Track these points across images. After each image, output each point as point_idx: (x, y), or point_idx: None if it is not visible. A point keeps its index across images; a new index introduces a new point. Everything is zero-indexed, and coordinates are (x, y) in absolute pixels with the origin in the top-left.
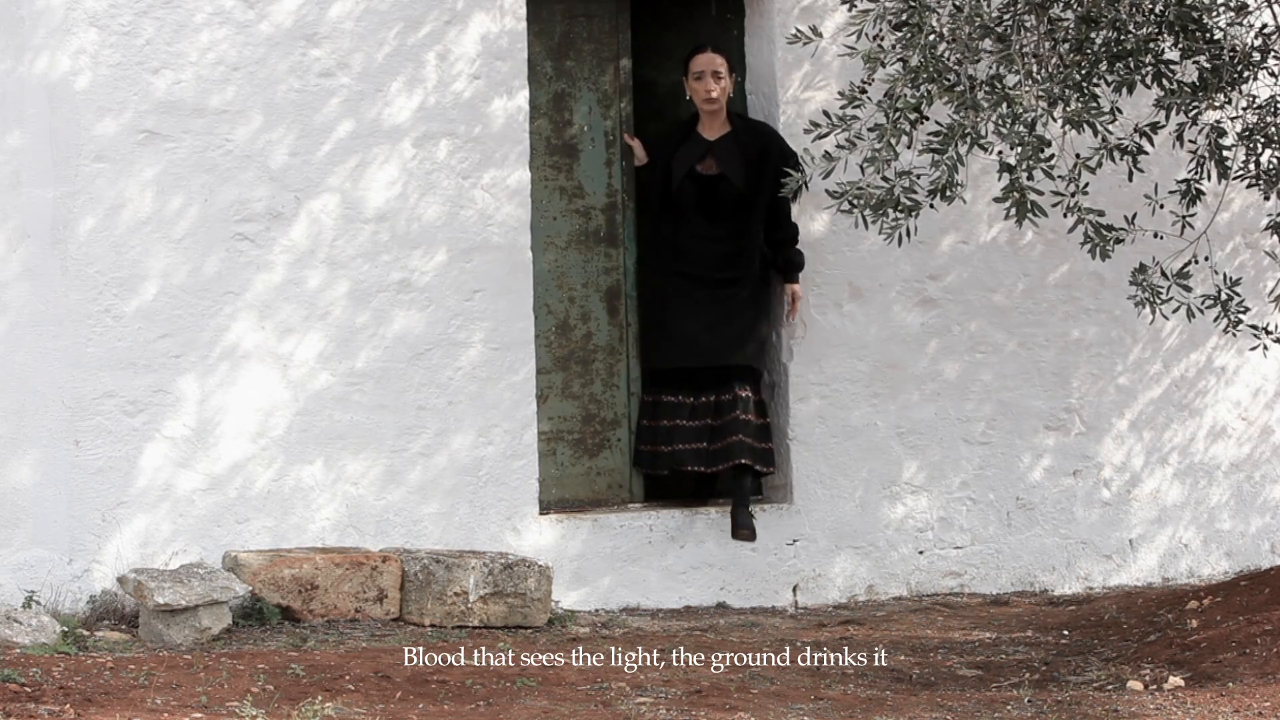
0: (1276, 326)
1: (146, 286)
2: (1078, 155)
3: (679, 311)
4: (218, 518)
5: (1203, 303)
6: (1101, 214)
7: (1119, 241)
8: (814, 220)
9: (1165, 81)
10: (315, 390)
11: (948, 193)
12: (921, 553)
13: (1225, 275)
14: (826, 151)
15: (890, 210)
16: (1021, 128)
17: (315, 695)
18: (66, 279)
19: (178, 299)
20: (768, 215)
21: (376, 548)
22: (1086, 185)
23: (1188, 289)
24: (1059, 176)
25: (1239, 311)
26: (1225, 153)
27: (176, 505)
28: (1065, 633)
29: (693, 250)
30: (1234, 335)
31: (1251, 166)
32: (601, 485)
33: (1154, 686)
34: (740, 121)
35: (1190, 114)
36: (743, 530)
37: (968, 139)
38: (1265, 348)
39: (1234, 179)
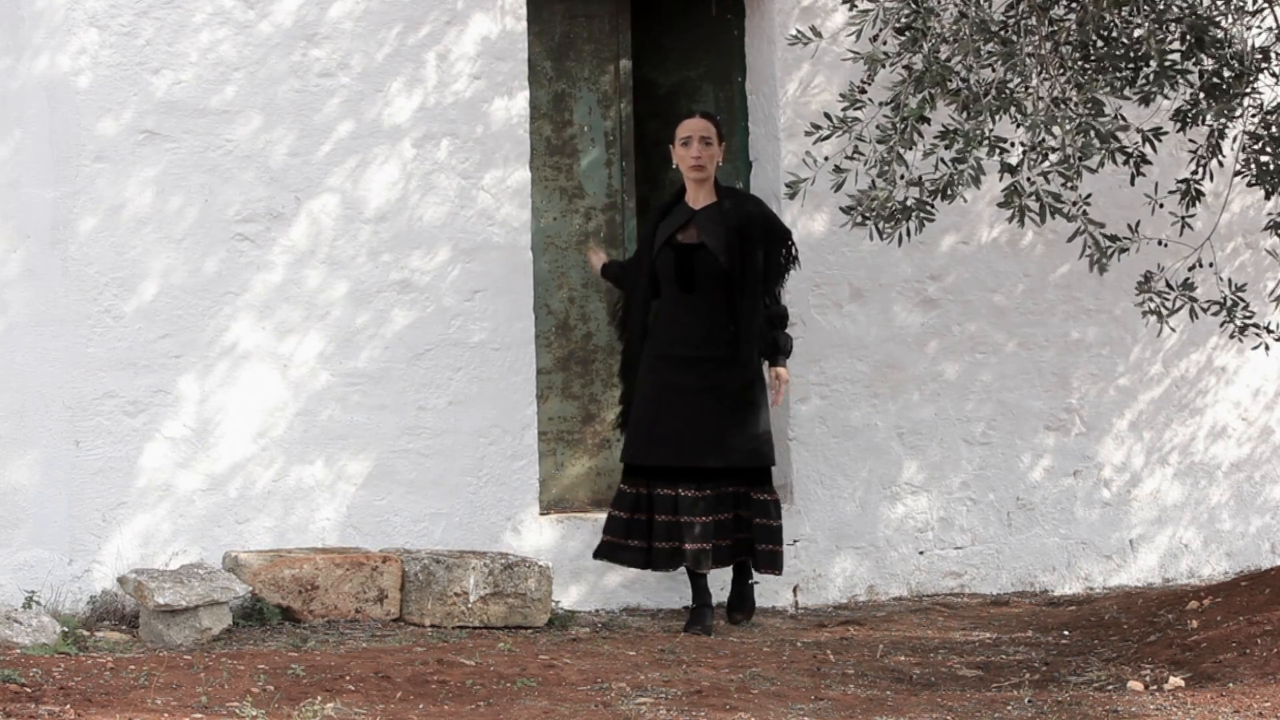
0: (1276, 325)
1: (146, 286)
2: (1078, 156)
3: (656, 402)
4: (218, 518)
5: (1208, 308)
6: (1102, 225)
7: (1123, 251)
8: (814, 220)
9: (1177, 87)
10: (315, 390)
11: (950, 190)
12: (922, 553)
13: (1230, 281)
14: (837, 166)
15: (904, 222)
16: (1044, 119)
17: (315, 695)
18: (66, 279)
19: (178, 299)
20: (749, 293)
21: (376, 548)
22: (1089, 196)
23: (1193, 299)
24: (1066, 186)
25: (1245, 316)
26: (1222, 155)
27: (176, 505)
28: (1065, 633)
29: (671, 327)
30: (1240, 340)
31: (1252, 166)
32: (601, 485)
33: (1154, 687)
34: (728, 192)
35: (1217, 121)
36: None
37: (985, 143)
38: (1267, 346)
39: (1236, 176)
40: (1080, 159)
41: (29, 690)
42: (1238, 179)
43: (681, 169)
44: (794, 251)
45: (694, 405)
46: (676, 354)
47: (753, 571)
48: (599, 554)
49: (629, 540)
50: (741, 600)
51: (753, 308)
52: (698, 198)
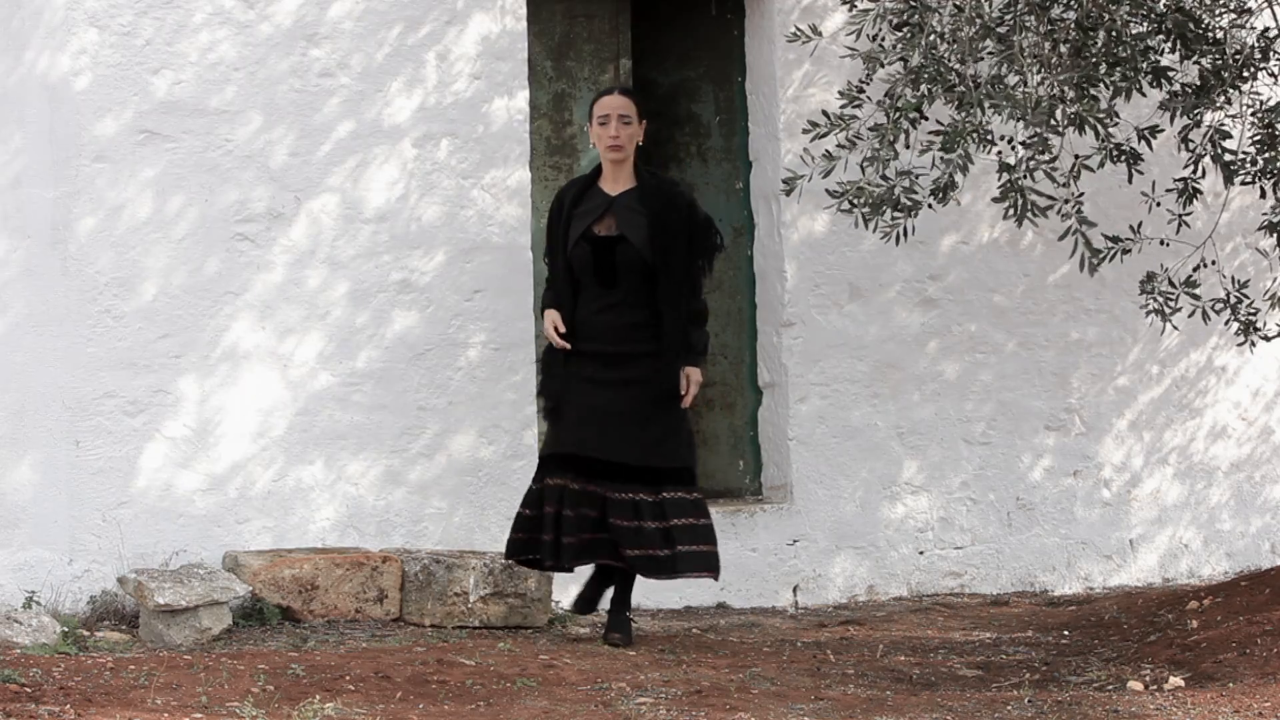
0: (1269, 325)
1: (146, 286)
2: (1076, 156)
3: (575, 396)
4: (218, 518)
5: (1213, 306)
6: (1094, 225)
7: (1125, 252)
8: (814, 220)
9: (1165, 83)
10: (315, 390)
11: (948, 193)
12: (921, 553)
13: (1233, 279)
14: (827, 151)
15: (889, 210)
16: (1042, 114)
17: (315, 695)
18: (66, 279)
19: (178, 299)
20: (672, 288)
21: (376, 548)
22: (1081, 195)
23: (1196, 297)
24: (1060, 183)
25: (1249, 314)
26: (1229, 155)
27: (176, 505)
28: (1065, 633)
29: (589, 323)
30: (1250, 343)
31: (1249, 165)
32: None
33: (1154, 686)
34: (649, 178)
35: (1193, 117)
36: (615, 635)
37: (975, 136)
38: (1253, 344)
39: (1237, 181)
40: (1080, 159)
41: (29, 690)
42: (1237, 179)
43: (598, 149)
44: (719, 241)
45: (609, 400)
46: (594, 350)
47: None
48: (507, 554)
49: (541, 536)
50: (622, 623)
51: (678, 303)
52: (615, 182)
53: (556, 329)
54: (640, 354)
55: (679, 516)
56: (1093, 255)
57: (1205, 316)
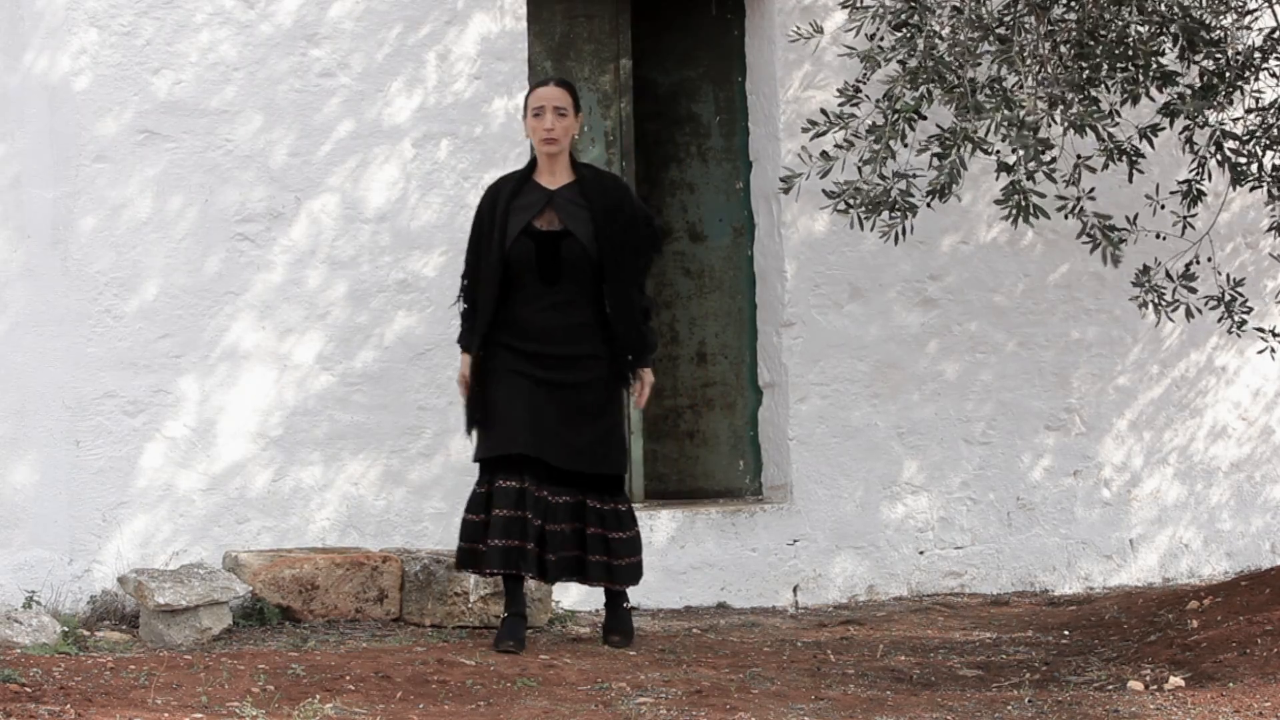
0: (1278, 327)
1: (146, 286)
2: (1078, 156)
3: (510, 395)
4: (218, 518)
5: (1206, 303)
6: (1109, 217)
7: (1122, 242)
8: (814, 220)
9: (1168, 86)
10: (315, 390)
11: (945, 194)
12: (922, 553)
13: (1228, 276)
14: (824, 151)
15: (887, 211)
16: (1026, 132)
17: (315, 695)
18: (66, 279)
19: (178, 299)
20: (622, 285)
21: (377, 548)
22: (1092, 190)
23: (1192, 290)
24: (1062, 180)
25: (1243, 311)
26: (1235, 156)
27: (176, 505)
28: (1065, 633)
29: (526, 323)
30: (1238, 335)
31: (1255, 169)
32: None
33: (1154, 686)
34: (587, 171)
35: (1195, 119)
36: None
37: (970, 144)
38: (1274, 350)
39: (1243, 183)
40: (1081, 158)
41: (29, 690)
42: (1242, 183)
43: (533, 142)
44: (658, 236)
45: (548, 402)
46: (532, 351)
47: (625, 593)
48: (457, 564)
49: (489, 542)
50: (618, 621)
51: (628, 301)
52: (553, 176)
53: (465, 380)
54: (586, 355)
55: (597, 526)
56: (1111, 245)
57: (1189, 314)
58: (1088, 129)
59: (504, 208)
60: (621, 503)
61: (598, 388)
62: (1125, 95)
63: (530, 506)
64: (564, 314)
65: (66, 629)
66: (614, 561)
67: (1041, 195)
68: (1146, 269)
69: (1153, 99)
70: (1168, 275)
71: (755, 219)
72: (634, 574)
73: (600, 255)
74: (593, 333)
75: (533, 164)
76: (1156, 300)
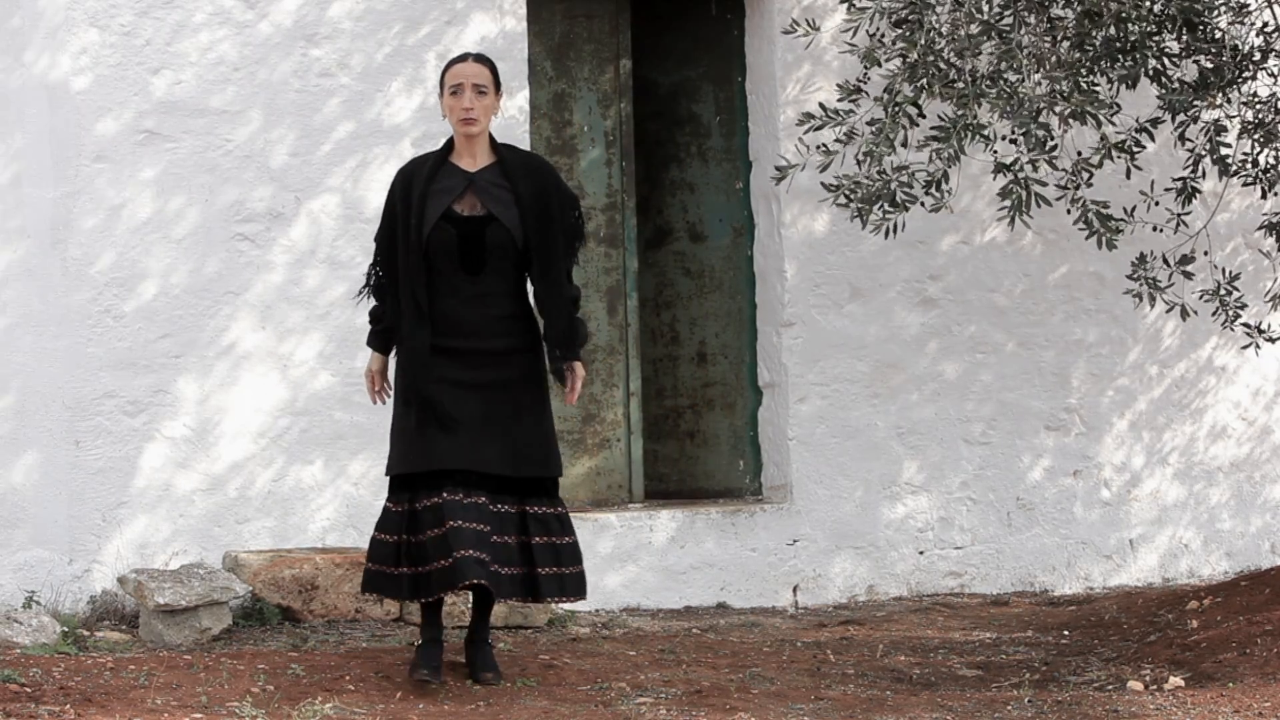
0: (1271, 326)
1: (146, 286)
2: (1079, 153)
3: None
4: (218, 518)
5: (1201, 297)
6: (1106, 205)
7: (1118, 232)
8: (814, 220)
9: (1166, 79)
10: (315, 390)
11: (942, 187)
12: (921, 553)
13: (1224, 270)
14: (823, 145)
15: (884, 205)
16: (1026, 112)
17: (315, 695)
18: (66, 279)
19: (178, 299)
20: (552, 273)
21: None
22: (1091, 178)
23: (1189, 275)
24: (1062, 170)
25: (1237, 307)
26: (1225, 150)
27: (176, 505)
28: (1065, 633)
29: (453, 315)
30: (1232, 330)
31: (1250, 166)
32: (601, 485)
33: (1154, 686)
34: (509, 152)
35: (1190, 114)
36: (486, 674)
37: (969, 130)
38: (1258, 346)
39: (1233, 176)
40: (1081, 155)
41: (29, 690)
42: (1235, 178)
43: (450, 122)
44: (583, 221)
45: (475, 404)
46: (450, 346)
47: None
48: (365, 587)
49: (398, 568)
50: (488, 659)
51: (558, 290)
52: (472, 158)
53: (374, 383)
54: (512, 350)
55: (542, 535)
56: (1107, 231)
57: (1184, 314)
58: (1087, 118)
59: (420, 191)
60: (560, 506)
61: (529, 385)
62: (1121, 79)
63: (485, 518)
64: (488, 306)
65: (66, 629)
66: (565, 571)
67: (1043, 184)
68: (1143, 257)
69: (1152, 81)
70: (1164, 261)
71: (755, 219)
72: (582, 585)
73: (527, 242)
74: (518, 326)
75: (449, 145)
76: (1150, 289)
